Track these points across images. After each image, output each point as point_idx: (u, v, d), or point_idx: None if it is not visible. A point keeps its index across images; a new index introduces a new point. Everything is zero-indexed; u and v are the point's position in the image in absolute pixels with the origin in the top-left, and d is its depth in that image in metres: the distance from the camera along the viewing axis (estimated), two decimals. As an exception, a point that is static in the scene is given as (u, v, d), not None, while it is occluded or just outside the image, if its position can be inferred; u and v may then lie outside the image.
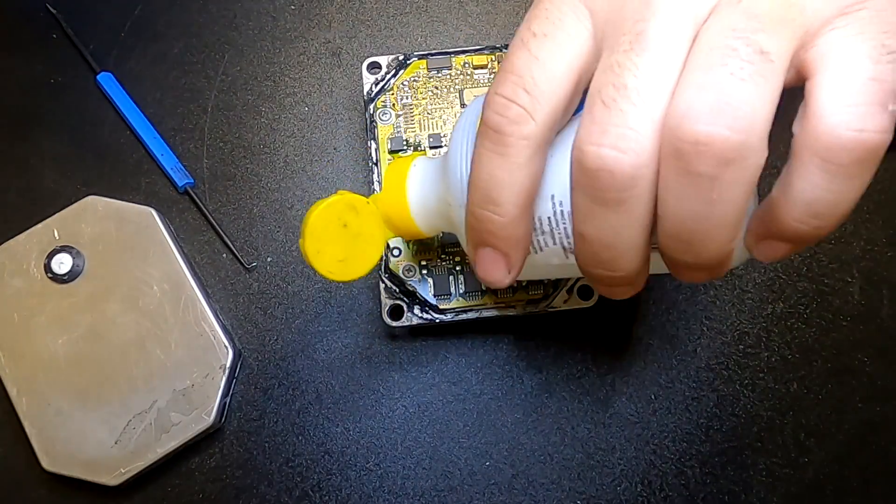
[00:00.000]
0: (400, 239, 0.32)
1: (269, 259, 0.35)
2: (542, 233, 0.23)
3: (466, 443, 0.33)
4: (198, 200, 0.35)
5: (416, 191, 0.27)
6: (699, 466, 0.32)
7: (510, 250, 0.22)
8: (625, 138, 0.18)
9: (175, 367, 0.32)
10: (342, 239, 0.27)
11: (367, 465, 0.32)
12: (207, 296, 0.33)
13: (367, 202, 0.27)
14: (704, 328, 0.34)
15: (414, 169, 0.27)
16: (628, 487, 0.32)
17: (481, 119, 0.21)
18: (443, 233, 0.31)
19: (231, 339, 0.33)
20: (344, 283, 0.34)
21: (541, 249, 0.23)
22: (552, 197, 0.22)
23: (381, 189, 0.33)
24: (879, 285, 0.34)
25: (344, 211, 0.26)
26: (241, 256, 0.35)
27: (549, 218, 0.22)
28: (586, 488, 0.32)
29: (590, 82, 0.20)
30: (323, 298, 0.34)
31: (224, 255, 0.35)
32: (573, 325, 0.34)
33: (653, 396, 0.33)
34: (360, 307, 0.34)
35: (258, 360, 0.34)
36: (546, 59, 0.20)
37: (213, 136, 0.37)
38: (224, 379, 0.32)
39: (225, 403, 0.32)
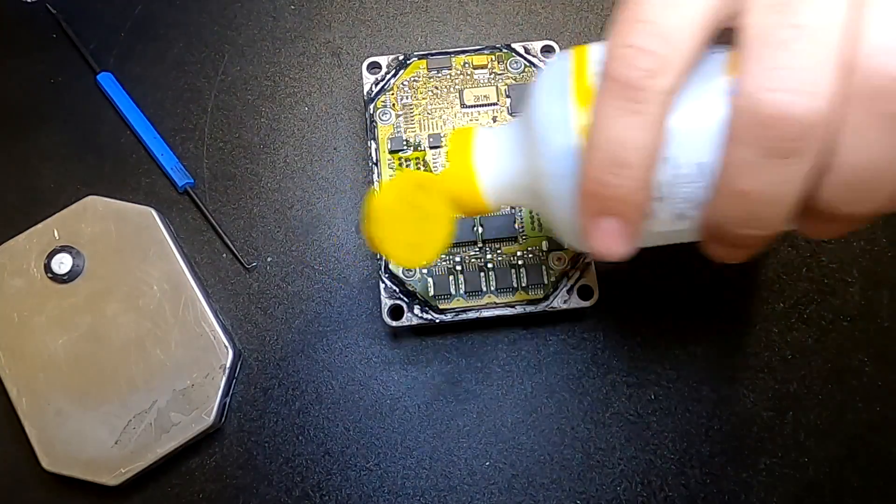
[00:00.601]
0: None
1: (269, 259, 0.35)
2: (656, 198, 0.21)
3: (466, 443, 0.33)
4: (198, 200, 0.35)
5: (488, 166, 0.25)
6: (699, 466, 0.32)
7: (635, 218, 0.21)
8: (806, 81, 0.17)
9: (175, 367, 0.32)
10: (410, 221, 0.25)
11: (367, 465, 0.32)
12: (207, 296, 0.33)
13: (436, 179, 0.25)
14: (705, 328, 0.34)
15: (481, 142, 0.25)
16: (628, 487, 0.32)
17: (606, 74, 0.19)
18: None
19: (231, 339, 0.33)
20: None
21: (651, 217, 0.22)
22: (667, 159, 0.20)
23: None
24: (879, 285, 0.34)
25: (411, 190, 0.24)
26: (241, 256, 0.35)
27: (664, 182, 0.21)
28: (586, 488, 0.32)
29: (718, 30, 0.19)
30: (323, 298, 0.34)
31: (224, 255, 0.35)
32: (573, 325, 0.34)
33: (653, 396, 0.33)
34: (360, 307, 0.34)
35: (258, 360, 0.34)
36: (682, 4, 0.18)
37: (213, 136, 0.37)
38: (224, 379, 0.32)
39: (225, 403, 0.32)
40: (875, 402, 0.33)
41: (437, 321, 0.31)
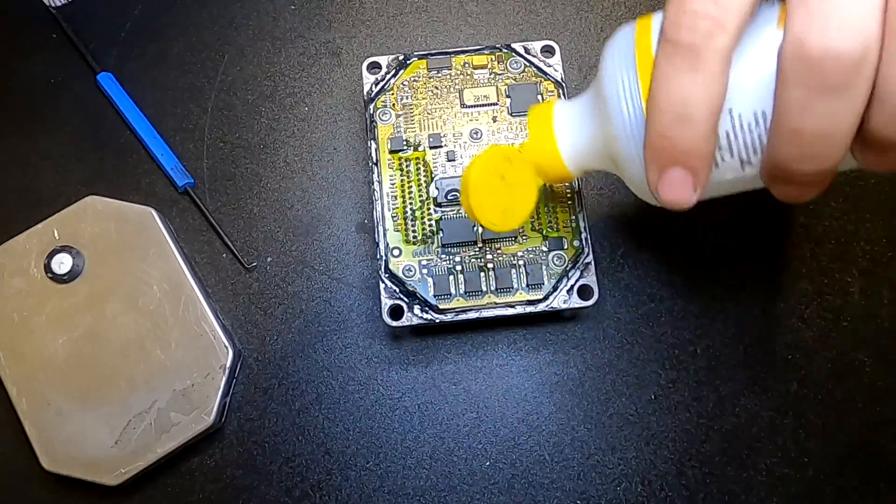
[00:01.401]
0: (399, 238, 0.32)
1: (269, 259, 0.35)
2: (720, 148, 0.23)
3: (466, 443, 0.33)
4: (198, 200, 0.35)
5: (565, 135, 0.27)
6: (699, 466, 0.32)
7: (701, 167, 0.23)
8: (850, 21, 0.19)
9: (175, 367, 0.32)
10: (500, 190, 0.27)
11: (367, 465, 0.32)
12: (207, 296, 0.33)
13: (519, 151, 0.28)
14: (705, 328, 0.34)
15: (558, 113, 0.28)
16: (628, 487, 0.32)
17: (665, 39, 0.21)
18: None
19: (231, 339, 0.33)
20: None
21: (716, 166, 0.24)
22: (730, 111, 0.22)
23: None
24: (879, 285, 0.34)
25: (500, 163, 0.27)
26: (241, 256, 0.35)
27: (727, 132, 0.23)
28: (586, 488, 0.32)
29: None
30: (323, 298, 0.34)
31: (224, 255, 0.35)
32: (573, 325, 0.34)
33: (653, 396, 0.33)
34: (360, 307, 0.34)
35: (258, 360, 0.34)
36: None
37: (213, 136, 0.37)
38: (224, 379, 0.32)
39: (225, 403, 0.32)
40: (875, 402, 0.33)
41: (437, 321, 0.31)
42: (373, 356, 0.34)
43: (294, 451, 0.33)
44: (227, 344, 0.32)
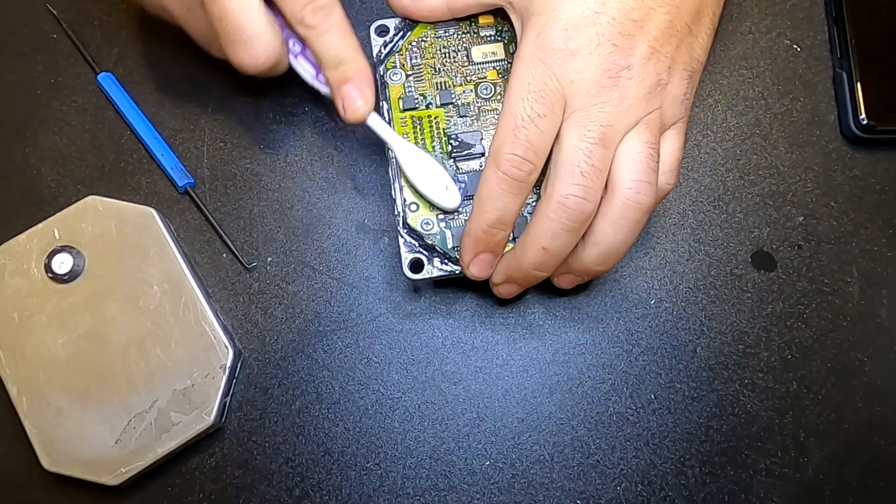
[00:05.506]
0: (415, 194, 0.32)
1: (269, 259, 0.35)
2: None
3: (466, 443, 0.33)
4: (198, 200, 0.35)
5: None
6: (699, 466, 0.32)
7: (501, 251, 0.31)
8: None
9: (175, 366, 0.32)
10: None
11: (367, 465, 0.32)
12: (207, 296, 0.33)
13: None
14: (704, 328, 0.34)
15: None
16: (628, 487, 0.32)
17: (497, 167, 0.29)
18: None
19: (231, 339, 0.33)
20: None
21: None
22: None
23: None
24: (879, 285, 0.34)
25: None
26: (241, 256, 0.35)
27: None
28: (586, 488, 0.32)
29: None
30: (323, 298, 0.34)
31: (224, 255, 0.35)
32: (573, 325, 0.34)
33: (653, 396, 0.33)
34: (360, 307, 0.34)
35: (258, 360, 0.34)
36: (545, 131, 0.29)
37: (213, 136, 0.37)
38: (224, 379, 0.32)
39: (225, 403, 0.32)
40: (875, 402, 0.33)
41: (459, 272, 0.31)
42: (373, 356, 0.34)
43: (294, 451, 0.33)
44: (227, 344, 0.32)
